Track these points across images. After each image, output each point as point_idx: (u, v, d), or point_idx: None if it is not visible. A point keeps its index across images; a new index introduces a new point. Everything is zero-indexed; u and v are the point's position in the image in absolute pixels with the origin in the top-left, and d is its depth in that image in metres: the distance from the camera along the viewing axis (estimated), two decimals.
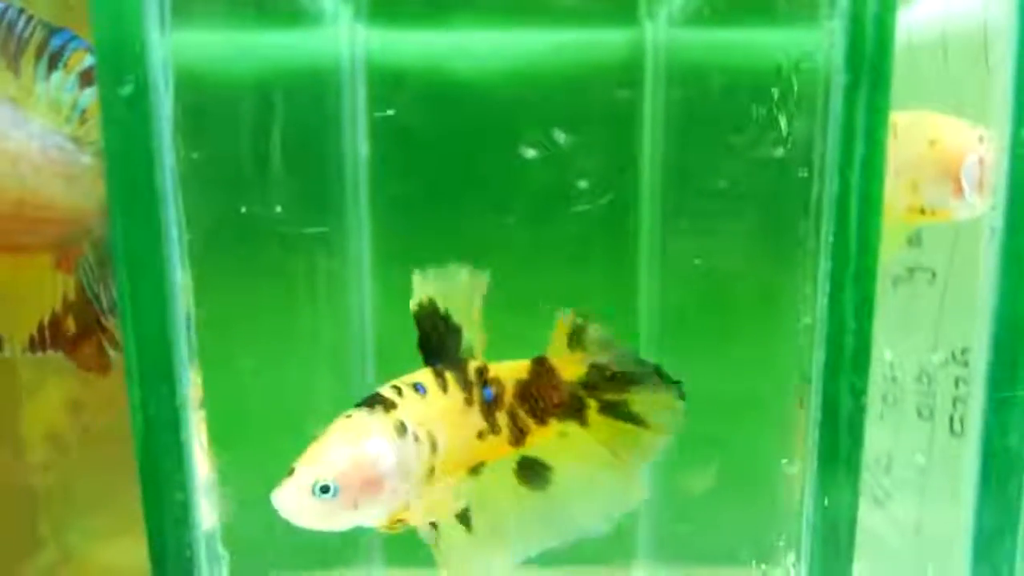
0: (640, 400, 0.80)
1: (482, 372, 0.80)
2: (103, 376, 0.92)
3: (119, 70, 0.65)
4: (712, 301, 0.97)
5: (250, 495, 0.88)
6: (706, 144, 0.95)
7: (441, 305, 0.80)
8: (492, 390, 0.80)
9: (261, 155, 0.90)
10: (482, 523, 0.80)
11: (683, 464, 1.00)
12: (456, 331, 0.80)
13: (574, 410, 0.81)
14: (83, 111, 0.85)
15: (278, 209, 0.90)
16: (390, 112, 1.00)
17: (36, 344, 0.89)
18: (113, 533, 1.14)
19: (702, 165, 0.96)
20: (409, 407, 0.75)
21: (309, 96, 0.97)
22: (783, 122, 0.79)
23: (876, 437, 1.03)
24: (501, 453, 0.81)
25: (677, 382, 0.80)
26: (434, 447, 0.76)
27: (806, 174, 0.75)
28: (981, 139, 0.80)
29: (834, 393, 0.74)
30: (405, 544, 1.06)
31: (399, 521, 0.77)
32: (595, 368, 0.81)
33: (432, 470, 0.76)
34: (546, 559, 1.06)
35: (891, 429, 1.00)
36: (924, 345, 0.92)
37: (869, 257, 0.72)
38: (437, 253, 0.98)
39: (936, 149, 0.84)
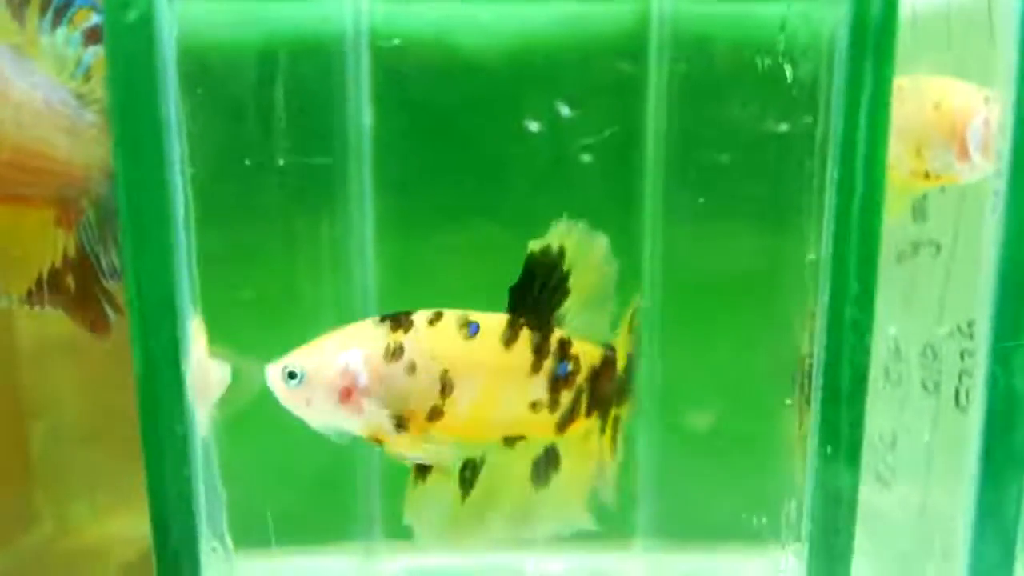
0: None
1: (564, 345, 0.77)
2: (102, 336, 0.93)
3: None
4: (717, 268, 0.97)
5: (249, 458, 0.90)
6: (712, 115, 0.96)
7: (568, 259, 0.76)
8: (569, 366, 0.77)
9: (264, 123, 0.91)
10: (476, 496, 0.78)
11: (685, 438, 1.02)
12: (564, 291, 0.76)
13: (609, 410, 0.79)
14: (87, 68, 0.86)
15: (280, 176, 0.91)
16: (396, 41, 0.99)
17: (34, 296, 0.90)
18: (111, 508, 1.14)
19: (708, 136, 0.96)
20: (428, 338, 0.74)
21: (313, 65, 0.98)
22: (789, 84, 0.80)
23: (881, 415, 1.04)
24: (544, 433, 0.78)
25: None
26: (446, 389, 0.74)
27: (811, 120, 0.75)
28: (986, 100, 0.80)
29: (837, 330, 0.74)
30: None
31: (378, 441, 0.76)
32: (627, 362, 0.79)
33: (436, 412, 0.74)
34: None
35: (896, 407, 1.01)
36: (929, 319, 0.93)
37: (875, 191, 0.72)
38: (439, 224, 1.00)
39: (941, 112, 0.85)
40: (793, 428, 0.81)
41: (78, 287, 0.90)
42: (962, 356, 0.88)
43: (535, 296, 0.75)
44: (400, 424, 0.74)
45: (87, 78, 0.86)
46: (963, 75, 0.84)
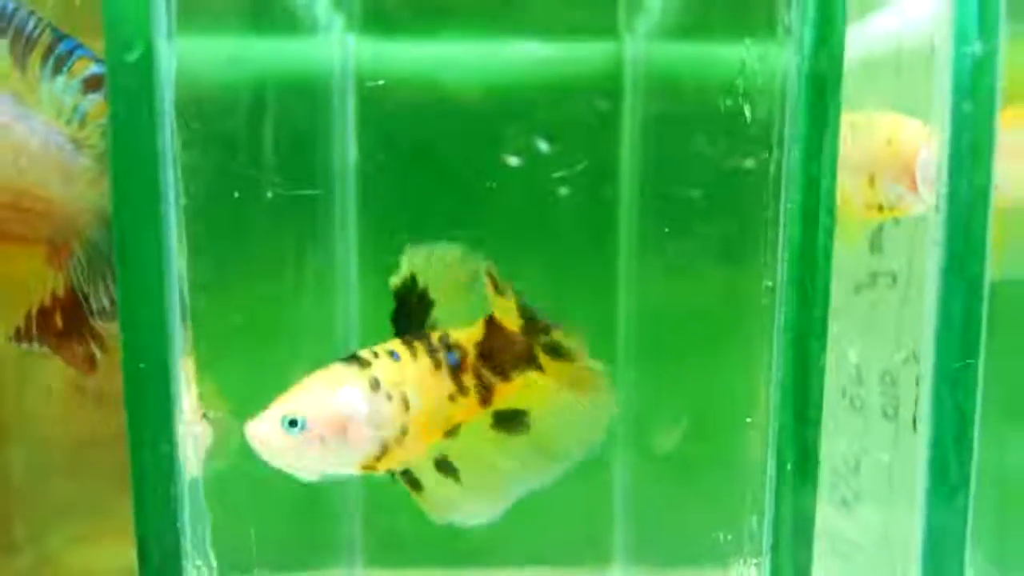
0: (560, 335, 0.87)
1: (444, 339, 0.87)
2: (88, 374, 0.97)
3: (126, 35, 0.73)
4: (687, 299, 1.04)
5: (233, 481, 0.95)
6: (679, 151, 1.03)
7: (421, 280, 0.87)
8: (456, 354, 0.86)
9: (253, 158, 0.97)
10: (470, 473, 0.85)
11: (653, 468, 1.07)
12: (428, 305, 0.88)
13: (528, 358, 0.87)
14: (84, 115, 0.91)
15: (268, 208, 0.97)
16: (381, 82, 1.06)
17: (23, 334, 0.94)
18: (92, 538, 1.17)
19: (675, 170, 1.03)
20: (384, 368, 0.83)
21: (301, 102, 1.04)
22: (749, 129, 0.87)
23: (845, 440, 1.10)
24: (473, 414, 0.87)
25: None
26: (407, 407, 0.83)
27: (767, 155, 0.82)
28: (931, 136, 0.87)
29: (793, 352, 0.81)
30: (385, 545, 1.14)
31: (367, 469, 0.84)
32: (521, 311, 0.87)
33: (405, 429, 0.84)
34: (523, 560, 1.12)
35: (859, 431, 1.07)
36: (888, 347, 0.99)
37: (825, 224, 0.79)
38: None
39: (892, 147, 0.93)
40: (755, 447, 0.87)
41: (66, 326, 0.94)
42: (917, 382, 0.94)
43: (407, 315, 0.88)
44: (385, 448, 0.83)
45: (83, 124, 0.91)
46: (911, 113, 0.91)
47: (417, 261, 0.87)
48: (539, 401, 0.87)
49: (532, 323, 0.86)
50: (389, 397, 0.83)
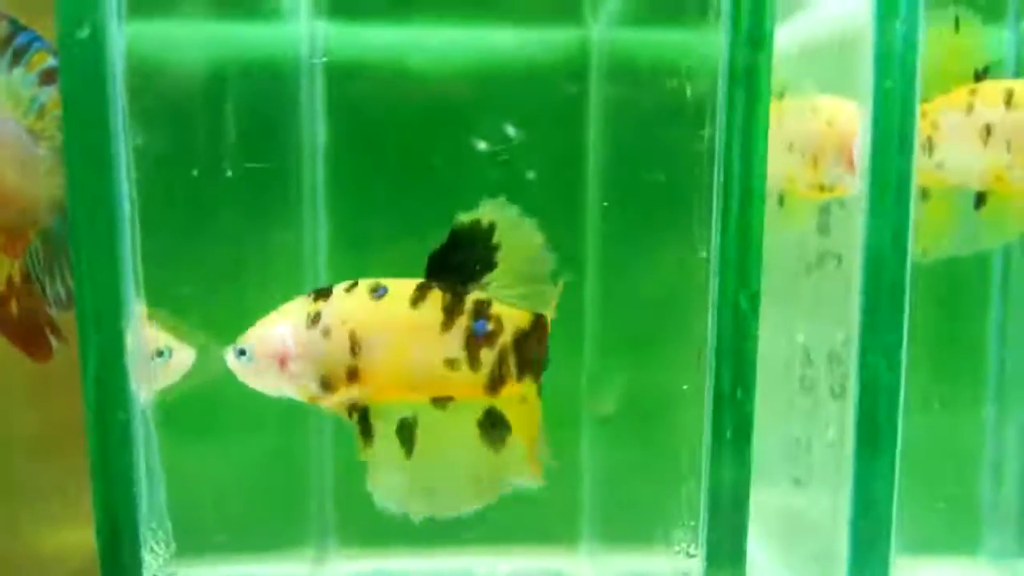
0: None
1: (482, 304, 0.82)
2: (43, 362, 1.00)
3: (77, 13, 0.76)
4: (633, 274, 1.07)
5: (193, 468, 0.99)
6: (637, 131, 1.06)
7: (498, 234, 0.82)
8: (488, 325, 0.83)
9: (215, 141, 1.01)
10: (422, 456, 0.83)
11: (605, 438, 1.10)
12: (490, 263, 0.83)
13: (540, 374, 0.84)
14: (41, 106, 0.94)
15: (231, 190, 1.01)
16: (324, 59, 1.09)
17: None
18: (62, 520, 1.19)
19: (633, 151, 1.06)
20: (340, 303, 0.82)
21: (267, 86, 1.07)
22: (689, 108, 0.90)
23: (796, 420, 1.13)
24: (471, 393, 0.83)
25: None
26: (355, 350, 0.82)
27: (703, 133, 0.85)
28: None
29: (728, 320, 0.84)
30: (360, 526, 1.17)
31: (315, 401, 0.84)
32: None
33: (352, 371, 0.83)
34: (489, 538, 1.15)
35: (809, 411, 1.10)
36: (832, 327, 1.02)
37: (753, 198, 0.83)
38: (389, 240, 1.09)
39: (833, 128, 0.96)
40: (692, 414, 0.90)
41: (22, 314, 0.97)
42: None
43: (456, 263, 0.82)
44: (326, 385, 0.83)
45: (41, 116, 0.95)
46: (848, 95, 0.95)
47: (501, 215, 0.82)
48: (520, 424, 0.84)
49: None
50: (326, 334, 0.82)
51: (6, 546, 1.19)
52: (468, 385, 0.83)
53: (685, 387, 0.90)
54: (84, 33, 0.74)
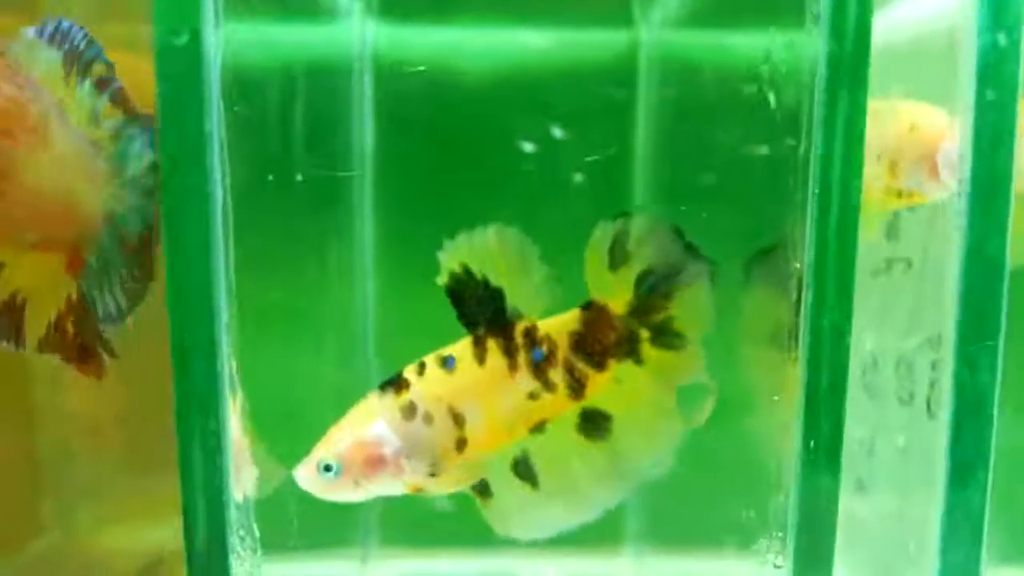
0: (681, 306, 0.85)
1: (530, 332, 0.85)
2: (97, 379, 0.98)
3: (175, 20, 0.76)
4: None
5: None
6: (696, 140, 1.06)
7: (476, 269, 0.84)
8: (543, 349, 0.85)
9: (279, 144, 1.00)
10: (549, 480, 0.85)
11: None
12: (497, 294, 0.84)
13: (629, 347, 0.85)
14: (98, 116, 0.94)
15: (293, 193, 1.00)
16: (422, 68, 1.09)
17: (43, 344, 0.95)
18: (116, 519, 1.20)
19: (694, 157, 1.06)
20: (426, 386, 0.83)
21: (323, 87, 1.07)
22: (772, 113, 0.90)
23: (860, 425, 1.14)
24: (562, 409, 0.85)
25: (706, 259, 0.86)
26: (459, 421, 0.83)
27: (793, 142, 0.85)
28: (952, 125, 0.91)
29: (818, 333, 0.85)
30: (402, 524, 1.16)
31: (420, 490, 0.86)
32: (642, 279, 0.85)
33: (462, 443, 0.84)
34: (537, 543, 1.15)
35: (874, 416, 1.11)
36: (902, 332, 1.03)
37: (851, 208, 0.83)
38: (437, 242, 1.08)
39: (915, 133, 0.97)
40: (779, 425, 0.90)
41: (76, 332, 0.96)
42: (933, 367, 0.97)
43: (476, 312, 0.85)
44: (435, 469, 0.84)
45: (98, 125, 0.94)
46: (932, 100, 0.95)
47: (462, 253, 0.84)
48: (626, 403, 0.86)
49: (649, 298, 0.85)
50: (429, 418, 0.83)
51: (67, 545, 1.19)
52: (553, 405, 0.86)
53: (776, 398, 0.91)
54: (182, 40, 0.73)
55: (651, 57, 1.12)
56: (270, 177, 0.94)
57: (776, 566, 0.91)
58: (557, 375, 0.85)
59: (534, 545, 1.11)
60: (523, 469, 0.85)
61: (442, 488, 0.85)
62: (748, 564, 0.94)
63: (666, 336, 0.86)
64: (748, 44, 0.97)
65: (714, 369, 0.88)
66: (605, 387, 0.86)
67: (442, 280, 0.85)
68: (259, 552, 0.91)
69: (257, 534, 0.90)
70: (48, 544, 1.19)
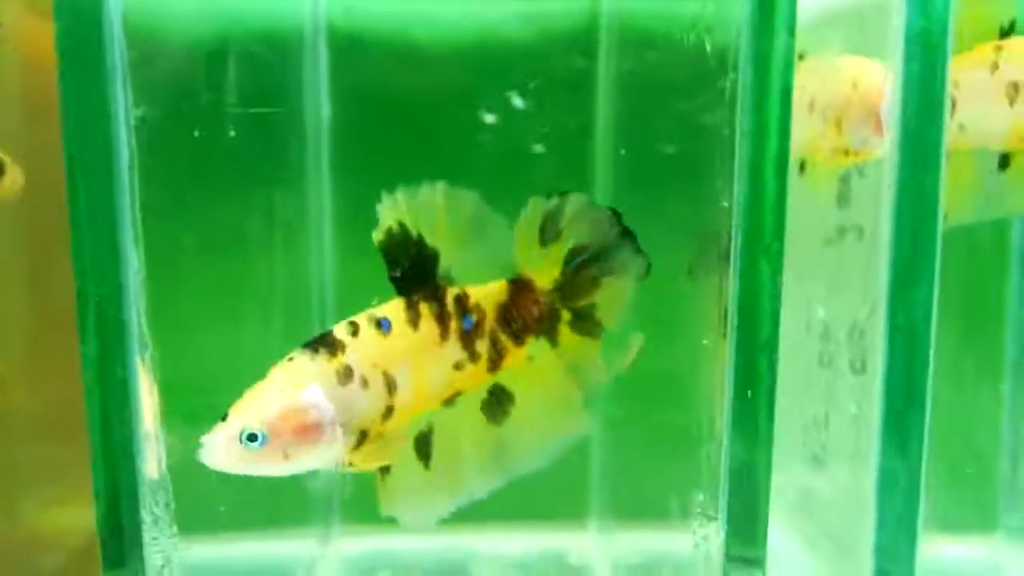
0: (607, 295, 0.84)
1: (461, 300, 0.82)
2: None
3: None
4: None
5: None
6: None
7: (412, 228, 0.80)
8: (473, 317, 0.82)
9: (220, 113, 0.99)
10: (439, 460, 0.82)
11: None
12: (431, 256, 0.81)
13: (549, 325, 0.84)
14: None
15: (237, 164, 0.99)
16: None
17: None
18: (60, 502, 1.20)
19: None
20: (362, 348, 0.77)
21: (272, 57, 1.06)
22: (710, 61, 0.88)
23: (814, 397, 1.13)
24: (478, 381, 0.83)
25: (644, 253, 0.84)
26: (391, 388, 0.79)
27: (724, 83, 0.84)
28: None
29: (752, 276, 0.83)
30: (364, 503, 1.16)
31: (349, 464, 0.79)
32: (571, 257, 0.83)
33: (389, 410, 0.79)
34: (501, 516, 1.14)
35: (827, 387, 1.10)
36: (855, 301, 1.01)
37: (783, 142, 0.81)
38: None
39: (858, 89, 0.95)
40: (712, 370, 0.88)
41: None
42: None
43: (408, 274, 0.81)
44: (362, 440, 0.79)
45: None
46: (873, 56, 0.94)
47: (401, 208, 0.80)
48: (531, 385, 0.84)
49: (576, 278, 0.83)
50: (365, 383, 0.78)
51: (6, 528, 1.18)
52: (473, 376, 0.83)
53: (705, 342, 0.88)
54: None
55: (610, 27, 1.11)
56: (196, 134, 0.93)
57: (710, 516, 0.90)
58: (482, 346, 0.82)
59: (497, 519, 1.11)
60: (423, 445, 0.82)
61: (367, 462, 0.80)
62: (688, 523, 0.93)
63: (585, 322, 0.84)
64: None
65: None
66: (518, 363, 0.84)
67: (376, 235, 0.81)
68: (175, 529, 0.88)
69: (172, 506, 0.88)
70: None
